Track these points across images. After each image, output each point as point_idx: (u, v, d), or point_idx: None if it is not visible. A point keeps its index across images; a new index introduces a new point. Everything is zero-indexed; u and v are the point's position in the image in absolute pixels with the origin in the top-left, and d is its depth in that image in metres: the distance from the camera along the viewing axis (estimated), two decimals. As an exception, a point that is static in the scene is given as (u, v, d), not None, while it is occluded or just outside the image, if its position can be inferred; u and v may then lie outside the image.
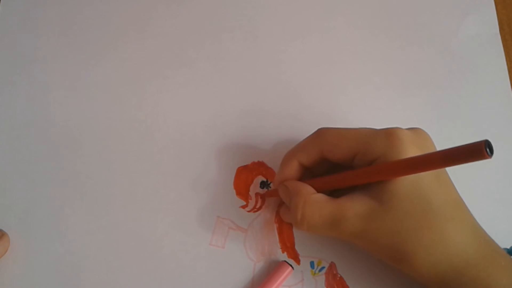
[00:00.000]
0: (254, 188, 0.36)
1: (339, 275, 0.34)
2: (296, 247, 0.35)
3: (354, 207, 0.28)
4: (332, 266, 0.34)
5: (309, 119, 0.37)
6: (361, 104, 0.38)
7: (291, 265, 0.33)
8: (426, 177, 0.27)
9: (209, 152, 0.37)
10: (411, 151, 0.27)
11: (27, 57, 0.40)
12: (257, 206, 0.35)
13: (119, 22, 0.41)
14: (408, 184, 0.26)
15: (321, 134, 0.30)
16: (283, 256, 0.34)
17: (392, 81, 0.39)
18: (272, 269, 0.34)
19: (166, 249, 0.35)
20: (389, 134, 0.27)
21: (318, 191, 0.30)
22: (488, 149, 0.20)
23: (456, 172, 0.28)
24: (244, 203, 0.36)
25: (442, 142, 0.34)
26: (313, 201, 0.29)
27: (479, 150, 0.20)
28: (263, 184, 0.36)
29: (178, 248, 0.35)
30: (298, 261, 0.34)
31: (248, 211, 0.36)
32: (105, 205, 0.36)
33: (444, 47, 0.40)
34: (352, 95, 0.39)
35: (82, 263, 0.34)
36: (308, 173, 0.32)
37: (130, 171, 0.37)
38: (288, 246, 0.35)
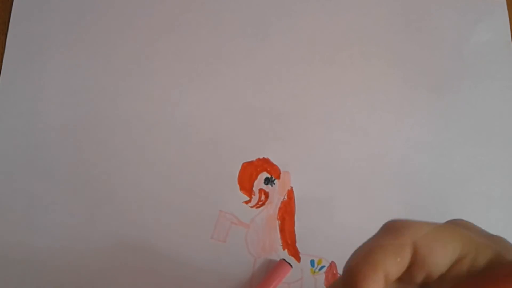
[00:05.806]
0: (258, 184, 0.36)
1: (339, 275, 0.34)
2: (297, 245, 0.35)
3: None
4: (332, 265, 0.34)
5: (316, 119, 0.37)
6: (369, 105, 0.38)
7: (289, 264, 0.33)
8: None
9: (214, 146, 0.37)
10: None
11: (42, 46, 0.40)
12: (260, 202, 0.36)
13: (130, 15, 0.41)
14: None
15: (409, 227, 0.20)
16: (284, 253, 0.34)
17: (402, 84, 0.39)
18: (271, 267, 0.34)
19: (167, 241, 0.35)
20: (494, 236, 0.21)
21: None
22: None
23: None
24: (248, 198, 0.36)
25: (449, 147, 0.34)
26: None
27: None
28: (267, 180, 0.36)
29: (179, 240, 0.35)
30: (298, 258, 0.34)
31: (251, 207, 0.36)
32: (108, 196, 0.36)
33: (456, 52, 0.40)
34: (360, 97, 0.39)
35: (84, 255, 0.35)
36: None
37: (135, 162, 0.37)
38: (289, 243, 0.35)
